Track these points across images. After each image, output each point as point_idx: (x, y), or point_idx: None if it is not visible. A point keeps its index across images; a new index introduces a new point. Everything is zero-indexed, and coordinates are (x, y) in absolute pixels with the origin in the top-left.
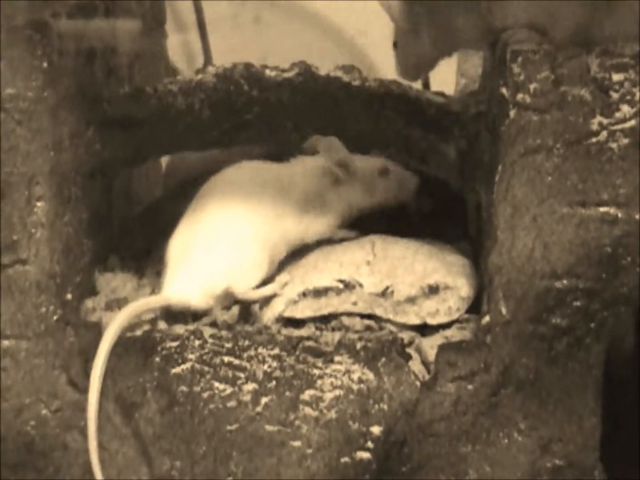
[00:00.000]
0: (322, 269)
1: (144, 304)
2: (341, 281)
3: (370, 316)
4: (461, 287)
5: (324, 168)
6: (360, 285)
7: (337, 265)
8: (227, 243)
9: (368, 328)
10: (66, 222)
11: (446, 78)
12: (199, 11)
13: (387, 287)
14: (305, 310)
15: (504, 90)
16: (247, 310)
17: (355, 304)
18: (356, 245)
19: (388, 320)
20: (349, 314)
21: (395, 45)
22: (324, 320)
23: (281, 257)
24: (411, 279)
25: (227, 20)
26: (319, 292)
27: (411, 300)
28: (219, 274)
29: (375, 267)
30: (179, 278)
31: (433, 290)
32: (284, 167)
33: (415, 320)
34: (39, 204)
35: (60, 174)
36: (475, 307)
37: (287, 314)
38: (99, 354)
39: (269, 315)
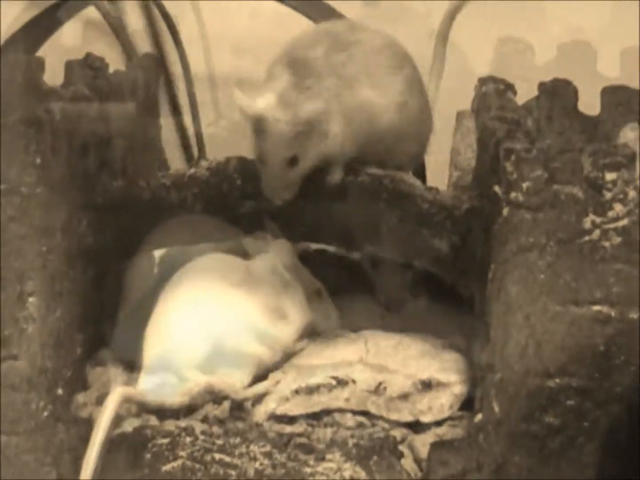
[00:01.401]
0: (315, 366)
1: (122, 394)
2: (334, 378)
3: (362, 412)
4: (454, 384)
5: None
6: (354, 381)
7: (329, 362)
8: (200, 338)
9: (360, 425)
10: (58, 317)
11: (440, 170)
12: (192, 102)
13: (380, 383)
14: (297, 407)
15: (496, 189)
16: (238, 406)
17: (347, 400)
18: (349, 341)
19: (380, 417)
20: (341, 411)
21: None
22: (315, 416)
23: (266, 356)
24: (404, 375)
25: (222, 108)
26: (311, 389)
27: (404, 396)
28: (194, 372)
29: (368, 363)
30: (151, 375)
31: (426, 386)
32: (250, 263)
33: (409, 417)
34: (30, 299)
35: (52, 268)
36: (467, 404)
37: (278, 411)
38: (89, 451)
39: (260, 412)
